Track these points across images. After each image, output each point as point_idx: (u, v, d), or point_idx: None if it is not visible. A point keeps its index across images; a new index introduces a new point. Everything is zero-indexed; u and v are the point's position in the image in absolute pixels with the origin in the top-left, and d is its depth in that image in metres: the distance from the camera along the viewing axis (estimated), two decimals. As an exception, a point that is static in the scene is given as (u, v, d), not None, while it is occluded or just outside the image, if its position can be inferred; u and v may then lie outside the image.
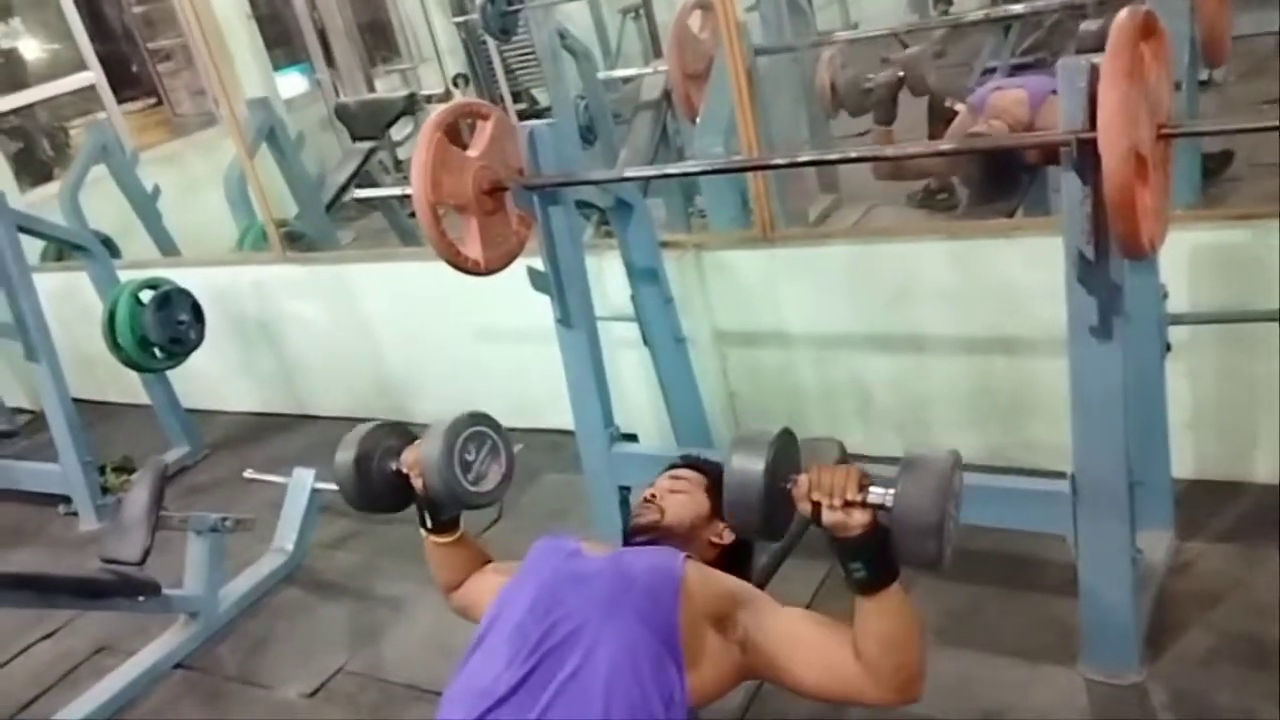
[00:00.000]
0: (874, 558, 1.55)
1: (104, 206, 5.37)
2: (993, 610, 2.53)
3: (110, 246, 5.27)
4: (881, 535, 1.53)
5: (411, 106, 5.34)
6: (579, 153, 3.79)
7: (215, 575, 3.11)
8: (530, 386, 3.71)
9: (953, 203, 4.16)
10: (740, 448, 1.61)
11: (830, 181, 4.57)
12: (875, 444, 3.24)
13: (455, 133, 2.46)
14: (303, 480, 3.40)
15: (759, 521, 1.59)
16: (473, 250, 2.59)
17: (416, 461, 1.94)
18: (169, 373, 4.27)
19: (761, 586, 1.97)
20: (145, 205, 5.32)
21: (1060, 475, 2.21)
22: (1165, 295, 2.39)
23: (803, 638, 1.70)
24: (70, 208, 5.10)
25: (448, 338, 3.94)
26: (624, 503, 2.81)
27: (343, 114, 5.57)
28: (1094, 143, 1.77)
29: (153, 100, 7.42)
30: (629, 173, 2.52)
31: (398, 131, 5.66)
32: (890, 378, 3.14)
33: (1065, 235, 1.97)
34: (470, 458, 1.92)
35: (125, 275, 4.13)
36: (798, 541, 2.28)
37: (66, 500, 4.03)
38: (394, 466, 2.00)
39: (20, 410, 5.19)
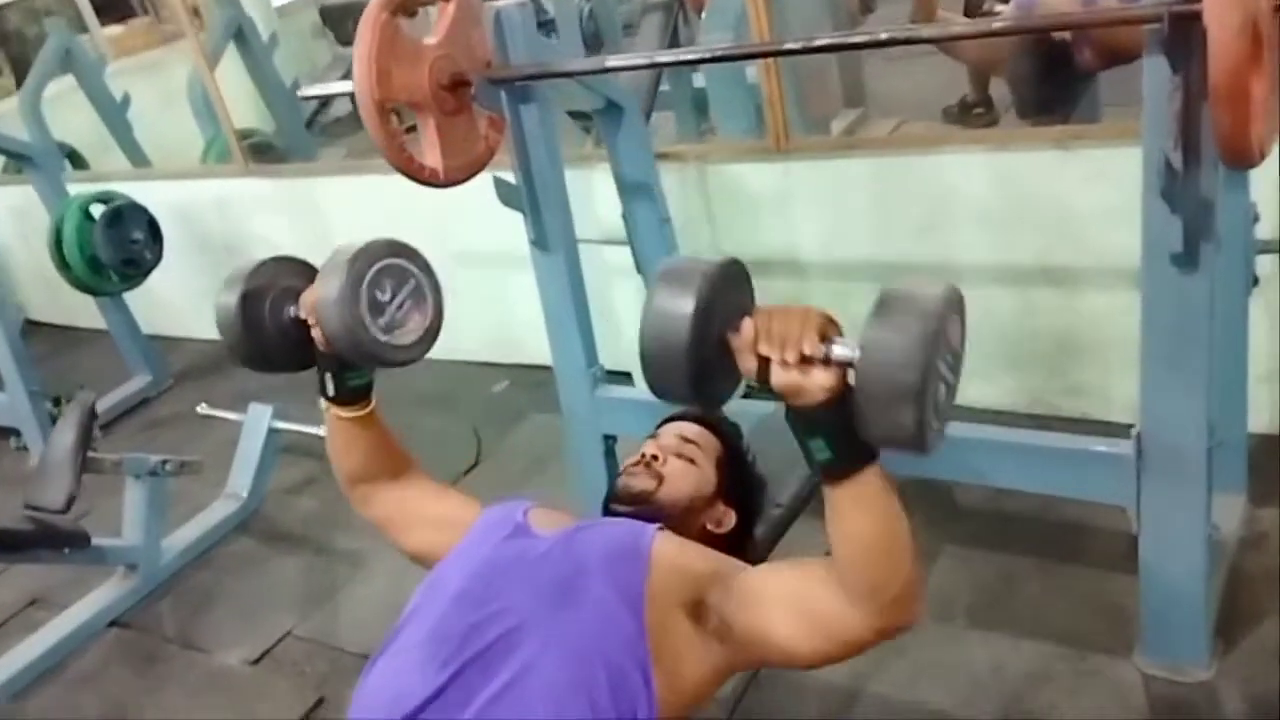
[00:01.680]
0: (840, 432, 1.15)
1: (77, 119, 4.99)
2: (1033, 586, 2.18)
3: (76, 160, 4.94)
4: (851, 402, 1.13)
5: (402, 8, 4.89)
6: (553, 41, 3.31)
7: (156, 524, 2.79)
8: (514, 318, 3.35)
9: (992, 118, 3.73)
10: (666, 281, 1.18)
11: (856, 94, 4.11)
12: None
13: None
14: (259, 418, 3.07)
15: (685, 382, 1.17)
16: (430, 158, 2.20)
17: (315, 305, 1.50)
18: (130, 295, 3.93)
19: (757, 563, 1.59)
20: (114, 116, 4.89)
21: (1112, 427, 1.83)
22: (1256, 218, 1.99)
23: (773, 587, 1.33)
24: (31, 116, 4.68)
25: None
26: (609, 453, 2.45)
27: (328, 17, 5.14)
28: (1195, 16, 1.37)
29: (147, 19, 6.99)
30: (611, 62, 2.12)
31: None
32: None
33: (1145, 139, 1.57)
34: (383, 298, 1.47)
35: (78, 189, 3.78)
36: (805, 506, 1.92)
37: (17, 434, 3.71)
38: (292, 312, 1.55)
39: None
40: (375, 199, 3.62)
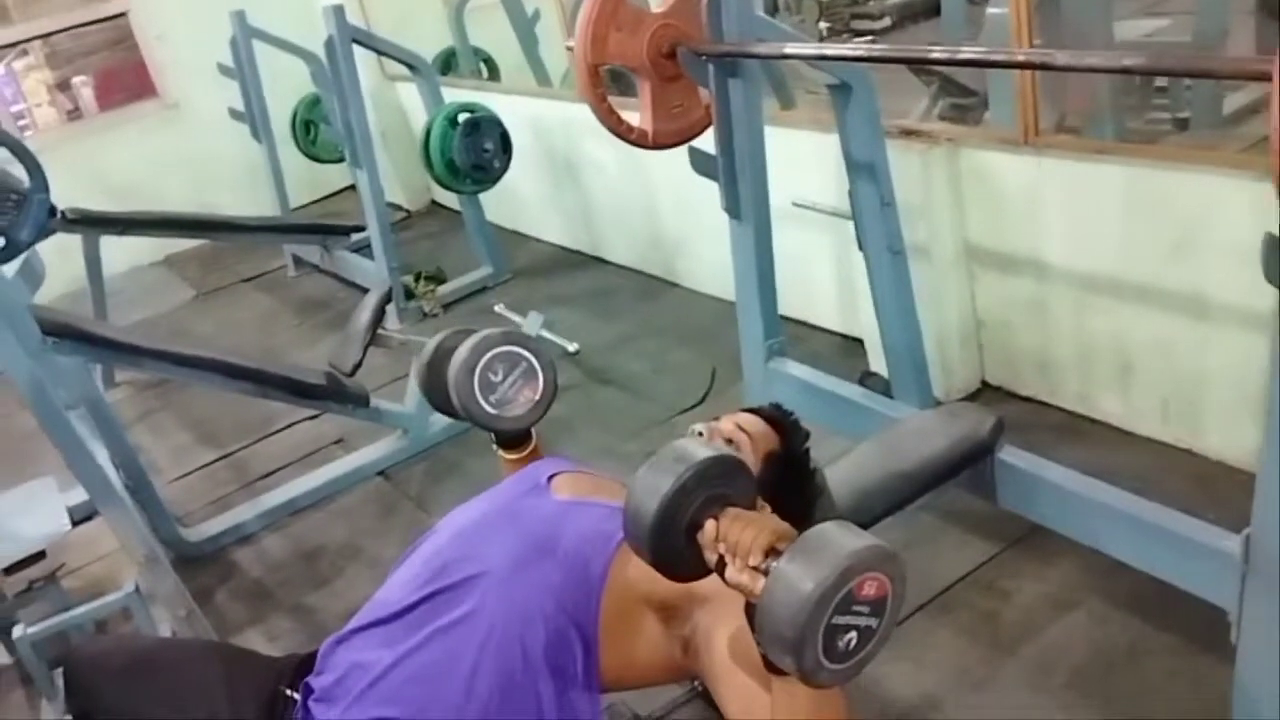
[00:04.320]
0: None
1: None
2: (1159, 667, 1.97)
3: (490, 67, 5.57)
4: None
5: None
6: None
7: (427, 399, 3.28)
8: (788, 272, 3.41)
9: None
10: (656, 461, 1.29)
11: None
12: (1133, 418, 2.62)
13: None
14: (533, 324, 3.44)
15: (649, 556, 1.29)
16: (642, 120, 2.38)
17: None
18: (494, 191, 4.44)
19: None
20: (524, 30, 5.44)
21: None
22: None
23: (739, 672, 1.38)
24: (455, 23, 5.38)
25: (714, 207, 3.71)
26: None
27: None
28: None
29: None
30: (805, 50, 2.11)
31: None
32: (1159, 341, 2.47)
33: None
34: (496, 379, 1.76)
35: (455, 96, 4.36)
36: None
37: (383, 298, 4.43)
38: None
39: (397, 207, 5.71)
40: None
